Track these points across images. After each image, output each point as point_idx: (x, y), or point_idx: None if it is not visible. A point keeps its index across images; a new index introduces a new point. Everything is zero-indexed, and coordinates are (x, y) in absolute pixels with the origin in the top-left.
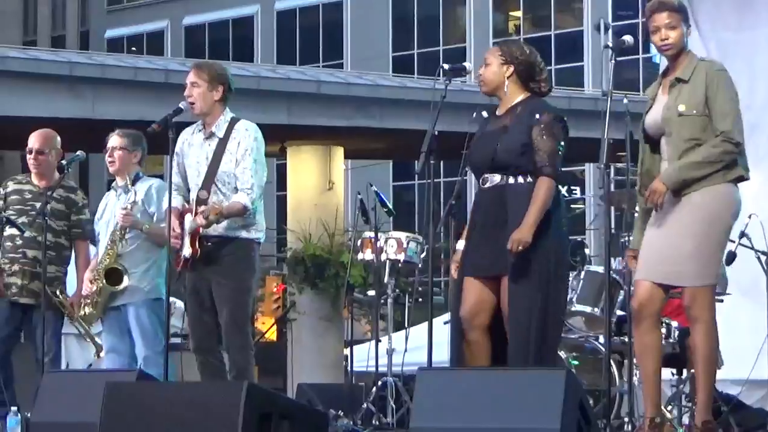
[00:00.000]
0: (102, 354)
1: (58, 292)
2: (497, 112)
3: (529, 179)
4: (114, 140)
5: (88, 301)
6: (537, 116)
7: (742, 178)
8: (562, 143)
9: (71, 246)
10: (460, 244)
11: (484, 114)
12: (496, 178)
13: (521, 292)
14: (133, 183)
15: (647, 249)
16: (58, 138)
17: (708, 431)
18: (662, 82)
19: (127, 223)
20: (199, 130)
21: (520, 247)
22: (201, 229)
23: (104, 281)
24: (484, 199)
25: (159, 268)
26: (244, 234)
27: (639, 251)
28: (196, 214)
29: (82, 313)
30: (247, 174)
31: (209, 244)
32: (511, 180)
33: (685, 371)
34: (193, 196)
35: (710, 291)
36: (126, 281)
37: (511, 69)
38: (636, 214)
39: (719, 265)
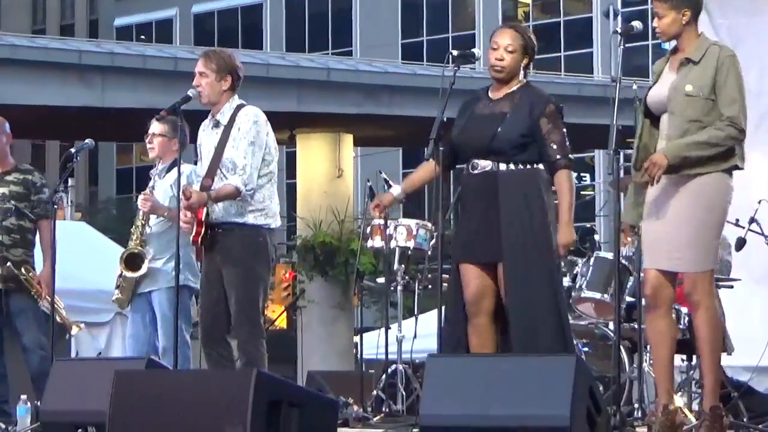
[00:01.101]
0: (73, 332)
1: (21, 271)
2: (491, 95)
3: (520, 167)
4: (154, 126)
5: (117, 285)
6: (541, 108)
7: (737, 168)
8: (565, 131)
9: (35, 228)
10: (395, 189)
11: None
12: (487, 164)
13: (530, 282)
14: (170, 169)
15: (649, 238)
16: (6, 124)
17: (716, 417)
18: (670, 58)
19: (145, 208)
20: (210, 119)
21: (571, 248)
22: (202, 216)
23: (124, 266)
24: (473, 184)
25: (186, 254)
26: (251, 220)
27: (629, 225)
28: None
29: (114, 298)
30: (241, 155)
31: (219, 230)
32: (503, 167)
33: (694, 357)
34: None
35: (710, 276)
36: (145, 267)
37: (527, 60)
38: (630, 190)
39: (717, 251)
